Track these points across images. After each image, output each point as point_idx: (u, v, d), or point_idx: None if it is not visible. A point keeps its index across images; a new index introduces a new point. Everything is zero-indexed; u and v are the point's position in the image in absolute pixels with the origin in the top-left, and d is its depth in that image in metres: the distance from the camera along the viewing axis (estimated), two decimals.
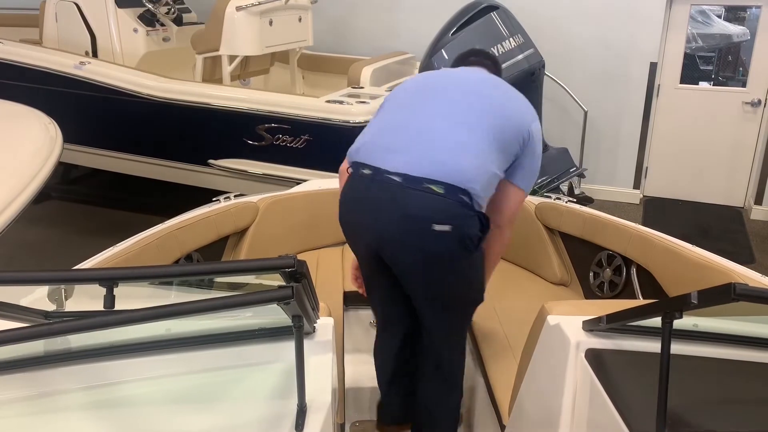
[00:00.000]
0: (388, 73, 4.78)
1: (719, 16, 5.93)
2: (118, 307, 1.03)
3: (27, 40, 5.10)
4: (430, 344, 2.03)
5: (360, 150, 1.89)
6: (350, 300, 2.68)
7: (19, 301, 1.35)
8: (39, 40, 5.20)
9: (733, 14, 5.83)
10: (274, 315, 1.35)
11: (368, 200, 1.81)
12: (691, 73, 5.60)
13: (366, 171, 1.83)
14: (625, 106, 5.42)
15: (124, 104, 4.50)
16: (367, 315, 2.69)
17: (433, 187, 1.73)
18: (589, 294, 2.73)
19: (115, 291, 1.06)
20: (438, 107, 1.87)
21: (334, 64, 5.50)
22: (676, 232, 2.45)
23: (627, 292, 2.53)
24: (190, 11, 5.59)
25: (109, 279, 0.93)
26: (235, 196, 2.86)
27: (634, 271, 2.52)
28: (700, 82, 5.76)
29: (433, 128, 1.82)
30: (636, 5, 5.13)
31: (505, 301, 2.63)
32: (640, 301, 1.73)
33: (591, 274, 2.73)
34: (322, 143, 4.05)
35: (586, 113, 5.23)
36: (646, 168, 5.62)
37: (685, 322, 1.36)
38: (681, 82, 5.39)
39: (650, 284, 2.41)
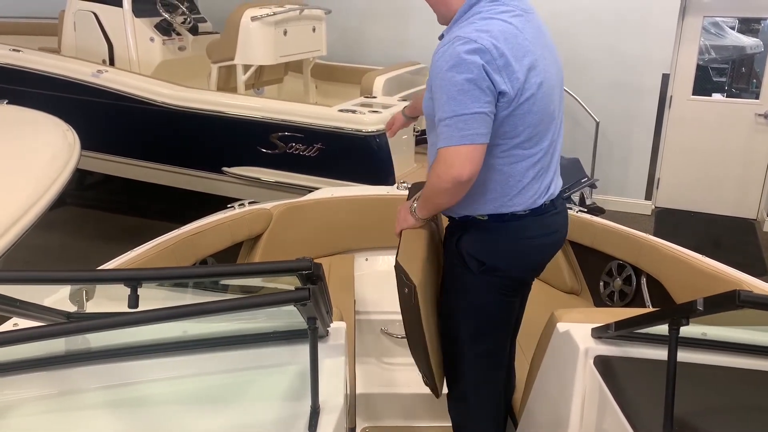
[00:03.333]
0: (401, 83, 4.81)
1: (732, 28, 5.93)
2: None
3: (46, 49, 5.19)
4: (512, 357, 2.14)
5: None
6: (362, 306, 2.71)
7: (42, 302, 1.39)
8: (57, 48, 5.29)
9: (747, 26, 5.83)
10: (288, 318, 1.38)
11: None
12: (704, 84, 5.60)
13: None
14: (637, 116, 5.42)
15: (139, 112, 4.57)
16: (378, 322, 2.72)
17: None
18: (599, 303, 2.74)
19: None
20: None
21: (347, 74, 5.54)
22: (688, 243, 2.46)
23: (637, 302, 2.54)
24: (206, 21, 5.67)
25: (133, 279, 0.97)
26: (249, 203, 2.90)
27: (644, 280, 2.53)
28: (713, 94, 5.75)
29: None
30: (648, 17, 5.15)
31: None
32: (650, 310, 1.75)
33: (601, 283, 2.74)
34: (335, 152, 4.09)
35: (597, 124, 5.24)
36: (658, 179, 5.61)
37: (694, 330, 1.38)
38: (694, 94, 5.39)
39: (660, 294, 2.41)
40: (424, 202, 1.81)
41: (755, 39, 5.84)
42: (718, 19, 5.60)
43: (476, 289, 1.83)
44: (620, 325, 1.40)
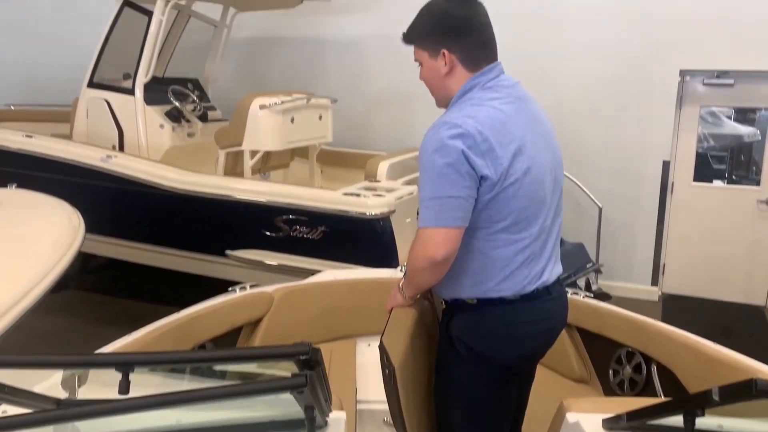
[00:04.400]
0: (404, 168, 4.88)
1: (729, 118, 6.06)
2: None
3: (58, 135, 5.32)
4: None
5: None
6: (364, 395, 2.62)
7: (32, 388, 1.34)
8: (69, 134, 5.42)
9: (743, 116, 5.95)
10: (285, 407, 1.32)
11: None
12: (704, 171, 5.67)
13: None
14: (639, 202, 5.46)
15: (146, 196, 4.62)
16: (380, 412, 2.61)
17: None
18: (609, 392, 2.65)
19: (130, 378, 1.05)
20: None
21: (352, 159, 5.63)
22: (696, 330, 2.40)
23: (648, 391, 2.46)
24: (215, 109, 5.83)
25: (125, 364, 0.93)
26: (250, 286, 2.87)
27: (654, 369, 2.45)
28: (714, 180, 5.81)
29: None
30: (647, 107, 5.28)
31: None
32: (662, 400, 1.68)
33: (611, 371, 2.66)
34: (339, 235, 4.10)
35: (600, 209, 5.27)
36: (664, 265, 5.58)
37: (710, 421, 1.31)
38: (695, 180, 5.44)
39: (672, 383, 2.33)
40: (407, 280, 1.84)
41: (752, 128, 5.95)
42: (714, 108, 5.73)
43: (466, 376, 1.80)
44: (632, 416, 1.35)
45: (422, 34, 1.81)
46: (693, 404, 1.10)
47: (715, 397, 1.01)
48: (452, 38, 1.75)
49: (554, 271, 1.86)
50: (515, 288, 1.74)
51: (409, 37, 1.84)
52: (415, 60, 1.84)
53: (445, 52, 1.75)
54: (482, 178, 1.64)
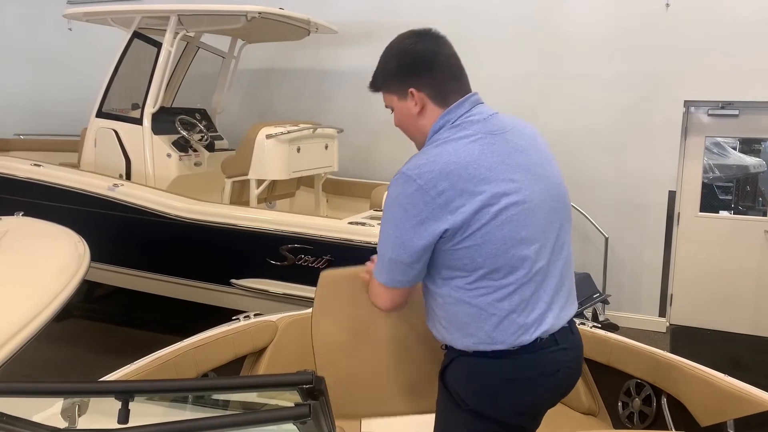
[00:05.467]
0: None
1: (734, 148, 6.06)
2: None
3: (66, 164, 5.36)
4: None
5: None
6: (368, 427, 2.58)
7: (32, 417, 1.32)
8: (77, 163, 5.46)
9: (748, 146, 5.96)
10: None
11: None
12: (710, 201, 5.65)
13: None
14: (645, 233, 5.43)
15: (152, 225, 4.63)
16: None
17: None
18: (618, 425, 2.60)
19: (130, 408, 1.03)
20: None
21: (357, 188, 5.65)
22: (705, 362, 2.36)
23: (658, 424, 2.41)
24: (222, 138, 5.87)
25: (124, 392, 0.92)
26: (254, 315, 2.85)
27: (664, 401, 2.41)
28: (720, 211, 5.79)
29: None
30: (652, 137, 5.29)
31: None
32: None
33: (620, 403, 2.62)
34: (344, 263, 4.07)
35: (606, 239, 5.25)
36: (671, 295, 5.53)
37: None
38: (701, 210, 5.42)
39: (682, 416, 2.29)
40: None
41: (757, 159, 5.95)
42: (719, 139, 5.74)
43: (462, 427, 1.68)
44: None
45: (386, 77, 1.73)
46: None
47: (731, 431, 0.99)
48: (416, 75, 1.67)
49: (561, 316, 1.68)
50: (509, 339, 1.59)
51: (375, 85, 1.77)
52: (386, 107, 1.77)
53: (413, 91, 1.67)
54: (444, 231, 1.54)
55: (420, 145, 1.75)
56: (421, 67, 1.67)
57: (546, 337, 1.63)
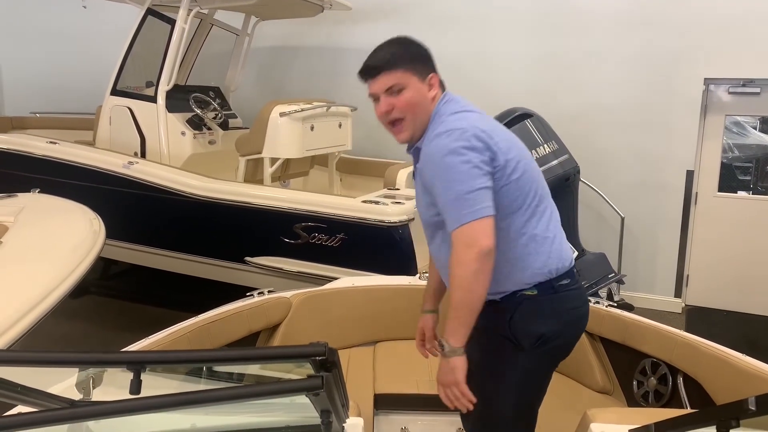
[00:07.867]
0: None
1: (755, 128, 5.95)
2: None
3: (81, 141, 5.38)
4: None
5: None
6: (381, 403, 2.58)
7: (48, 389, 1.33)
8: (92, 141, 5.48)
9: None
10: (302, 412, 1.29)
11: None
12: (729, 182, 5.56)
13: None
14: (662, 213, 5.36)
15: (167, 202, 4.64)
16: (399, 420, 2.58)
17: None
18: (633, 403, 2.58)
19: (143, 382, 1.03)
20: None
21: (371, 168, 5.63)
22: (721, 343, 2.33)
23: (674, 403, 2.39)
24: (236, 117, 5.86)
25: (136, 362, 0.91)
26: (268, 291, 2.85)
27: (680, 380, 2.38)
28: (739, 191, 5.70)
29: None
30: (670, 116, 5.20)
31: (544, 408, 2.49)
32: (691, 411, 1.63)
33: (635, 382, 2.60)
34: (358, 242, 4.07)
35: (623, 219, 5.19)
36: (687, 276, 5.47)
37: None
38: (719, 191, 5.34)
39: (699, 395, 2.27)
40: (456, 319, 1.72)
41: None
42: (739, 118, 5.63)
43: (527, 363, 1.84)
44: (661, 426, 1.30)
45: (413, 58, 1.87)
46: (727, 414, 1.05)
47: (752, 407, 0.96)
48: (433, 63, 1.91)
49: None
50: (561, 263, 1.84)
51: (394, 64, 1.85)
52: (391, 87, 1.85)
53: (434, 74, 1.89)
54: (496, 167, 1.74)
55: (417, 127, 1.90)
56: (432, 58, 1.92)
57: (574, 275, 1.91)
